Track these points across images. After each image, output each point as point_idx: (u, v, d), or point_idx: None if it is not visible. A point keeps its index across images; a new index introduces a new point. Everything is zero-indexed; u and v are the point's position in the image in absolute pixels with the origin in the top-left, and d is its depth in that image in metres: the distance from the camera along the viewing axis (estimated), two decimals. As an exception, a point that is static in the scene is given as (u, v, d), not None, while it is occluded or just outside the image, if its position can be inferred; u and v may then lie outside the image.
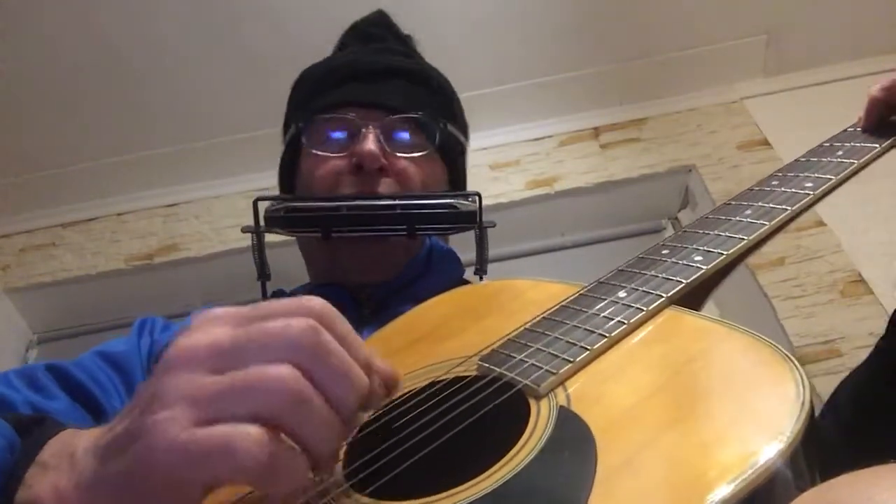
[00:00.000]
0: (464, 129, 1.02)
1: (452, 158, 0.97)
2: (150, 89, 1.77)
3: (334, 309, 0.42)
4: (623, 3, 1.76)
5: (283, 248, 1.36)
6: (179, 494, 0.36)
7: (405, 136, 0.90)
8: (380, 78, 0.92)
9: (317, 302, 0.41)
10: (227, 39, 1.71)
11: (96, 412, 0.75)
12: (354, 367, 0.40)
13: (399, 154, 0.89)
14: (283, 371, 0.37)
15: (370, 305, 0.86)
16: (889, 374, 0.73)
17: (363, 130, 0.87)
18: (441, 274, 0.88)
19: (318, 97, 0.93)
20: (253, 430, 0.36)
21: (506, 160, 1.81)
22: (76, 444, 0.42)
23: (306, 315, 0.40)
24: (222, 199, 1.87)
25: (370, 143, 0.85)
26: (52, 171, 1.85)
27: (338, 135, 0.90)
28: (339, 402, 0.39)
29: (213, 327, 0.40)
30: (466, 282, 0.91)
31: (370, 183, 0.86)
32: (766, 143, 1.74)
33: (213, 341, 0.39)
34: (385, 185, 0.86)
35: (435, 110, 0.94)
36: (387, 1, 1.69)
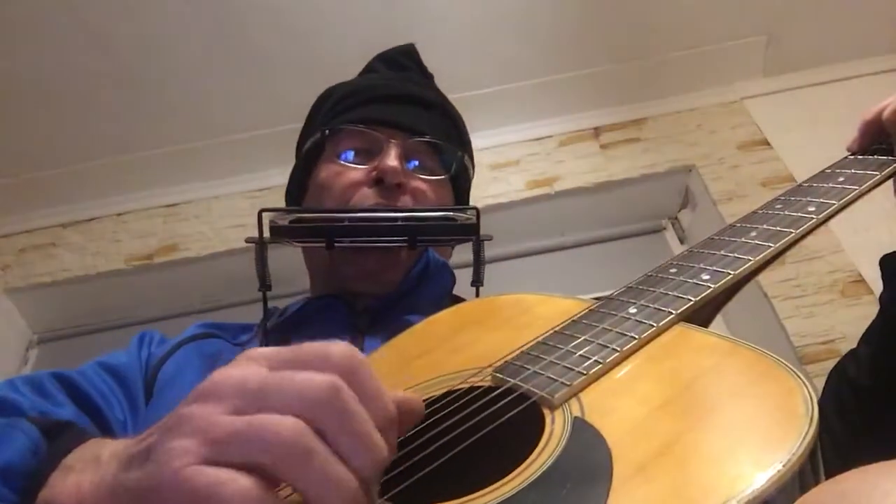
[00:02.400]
0: (472, 163, 1.06)
1: (460, 189, 1.01)
2: (150, 89, 1.77)
3: (363, 360, 0.42)
4: (623, 4, 1.76)
5: (283, 253, 1.36)
6: None
7: (424, 158, 0.94)
8: (406, 103, 0.96)
9: (345, 353, 0.41)
10: (228, 40, 1.71)
11: (100, 421, 0.76)
12: (372, 432, 0.39)
13: (416, 175, 0.92)
14: (286, 422, 0.37)
15: (366, 317, 0.87)
16: None
17: (385, 147, 0.90)
18: (434, 285, 0.90)
19: (345, 111, 0.96)
20: (243, 482, 0.36)
21: (506, 160, 1.82)
22: (102, 451, 0.44)
23: (332, 368, 0.40)
24: (222, 199, 1.88)
25: (392, 159, 0.88)
26: (52, 171, 1.85)
27: (361, 148, 0.93)
28: (352, 461, 0.38)
29: (251, 365, 0.41)
30: (459, 298, 0.93)
31: (389, 197, 0.89)
32: (766, 143, 1.75)
33: (243, 379, 0.40)
34: (402, 202, 0.89)
35: (454, 141, 0.98)
36: (389, 2, 1.70)
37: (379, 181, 0.89)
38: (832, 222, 1.58)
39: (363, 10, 1.71)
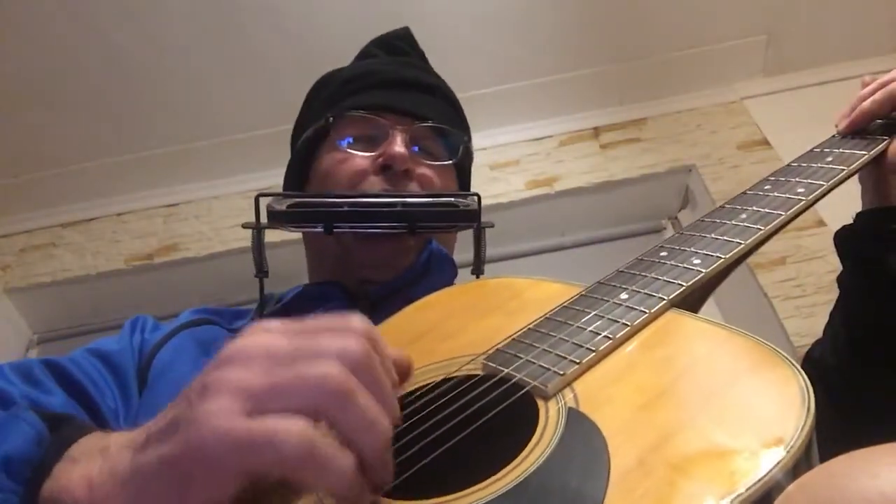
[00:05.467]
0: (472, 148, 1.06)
1: (463, 174, 1.00)
2: (150, 89, 1.77)
3: (377, 330, 0.44)
4: (623, 3, 1.76)
5: (282, 249, 1.36)
6: (218, 482, 0.37)
7: (429, 144, 0.93)
8: (409, 88, 0.95)
9: (362, 323, 0.43)
10: (228, 40, 1.72)
11: (92, 410, 0.74)
12: (393, 396, 0.42)
13: (422, 161, 0.91)
14: (332, 366, 0.39)
15: (365, 305, 0.86)
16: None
17: (391, 132, 0.89)
18: (437, 277, 0.89)
19: (347, 97, 0.95)
20: (296, 422, 0.37)
21: (506, 160, 1.81)
22: (108, 441, 0.43)
23: (359, 335, 0.42)
24: (222, 199, 1.88)
25: (399, 146, 0.87)
26: (52, 171, 1.85)
27: (365, 135, 0.91)
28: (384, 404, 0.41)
29: (267, 335, 0.42)
30: None
31: (395, 184, 0.87)
32: (766, 143, 1.75)
33: (268, 345, 0.41)
34: (409, 189, 0.88)
35: (456, 126, 0.97)
36: (388, 2, 1.70)
37: (386, 168, 0.87)
38: (832, 222, 1.58)
39: (363, 10, 1.71)
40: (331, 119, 0.93)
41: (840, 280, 0.82)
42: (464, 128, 1.00)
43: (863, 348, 0.76)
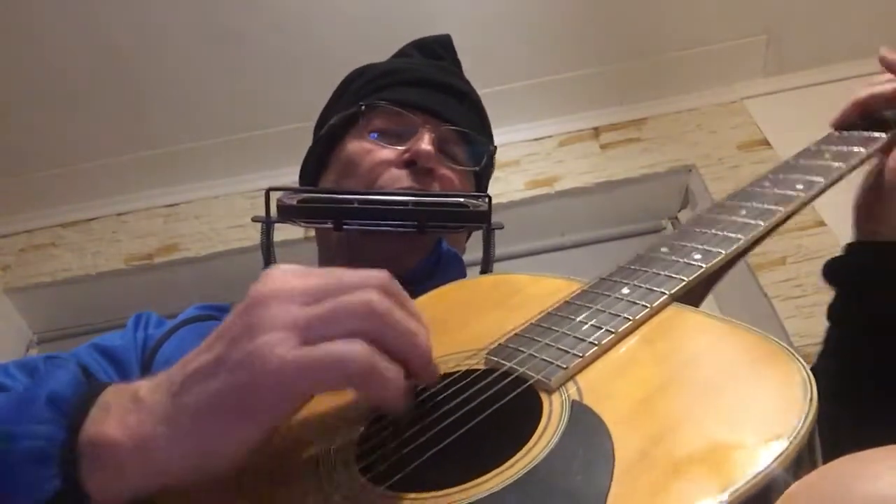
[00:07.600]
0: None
1: (482, 183, 1.00)
2: (150, 89, 1.77)
3: (397, 282, 0.48)
4: (623, 3, 1.76)
5: (289, 248, 1.37)
6: (286, 405, 0.42)
7: (453, 148, 0.93)
8: (443, 91, 0.95)
9: (383, 274, 0.47)
10: (228, 40, 1.72)
11: None
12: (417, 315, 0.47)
13: (446, 163, 0.92)
14: (371, 294, 0.44)
15: None
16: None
17: (420, 130, 0.89)
18: (446, 276, 0.89)
19: (380, 90, 0.95)
20: (356, 345, 0.42)
21: (506, 160, 1.81)
22: (135, 387, 0.45)
23: (377, 285, 0.46)
24: (222, 199, 1.88)
25: (427, 143, 0.87)
26: (52, 171, 1.85)
27: (392, 129, 0.92)
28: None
29: (292, 277, 0.46)
30: None
31: (420, 181, 0.87)
32: (766, 143, 1.75)
33: (299, 283, 0.45)
34: (432, 187, 0.88)
35: (486, 136, 0.99)
36: (388, 3, 1.71)
37: (411, 163, 0.87)
38: (831, 222, 1.58)
39: (363, 11, 1.72)
40: (362, 108, 0.93)
41: (830, 310, 0.81)
42: (489, 138, 1.01)
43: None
